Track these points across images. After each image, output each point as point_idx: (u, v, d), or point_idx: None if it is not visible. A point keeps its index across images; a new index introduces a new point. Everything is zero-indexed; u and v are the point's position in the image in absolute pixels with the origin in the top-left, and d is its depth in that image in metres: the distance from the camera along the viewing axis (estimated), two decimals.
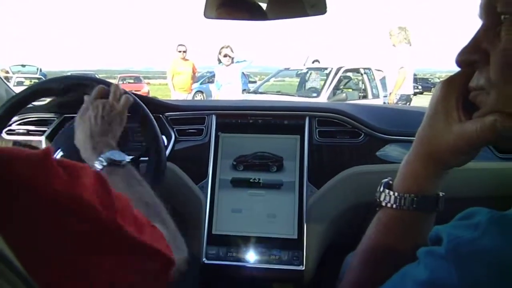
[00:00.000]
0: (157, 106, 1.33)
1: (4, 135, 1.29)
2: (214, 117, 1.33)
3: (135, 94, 1.05)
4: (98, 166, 0.80)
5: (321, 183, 1.25)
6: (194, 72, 7.03)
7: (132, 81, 19.89)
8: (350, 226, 1.37)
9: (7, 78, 15.06)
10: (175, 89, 6.74)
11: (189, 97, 7.48)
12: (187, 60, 6.83)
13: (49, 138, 1.28)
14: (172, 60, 6.78)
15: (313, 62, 7.70)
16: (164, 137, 1.25)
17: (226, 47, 5.84)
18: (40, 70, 18.19)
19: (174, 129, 1.33)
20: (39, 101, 1.28)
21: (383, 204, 0.61)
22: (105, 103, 0.92)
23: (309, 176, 1.25)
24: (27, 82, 14.83)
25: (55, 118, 1.32)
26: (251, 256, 1.19)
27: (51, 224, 0.40)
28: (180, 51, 6.71)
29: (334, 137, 1.31)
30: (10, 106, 1.02)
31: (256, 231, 1.22)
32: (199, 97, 13.62)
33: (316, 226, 1.21)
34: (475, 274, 0.41)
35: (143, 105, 1.04)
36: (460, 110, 0.53)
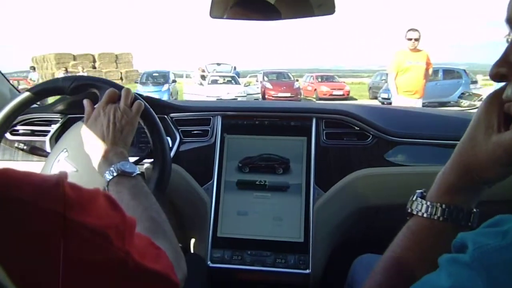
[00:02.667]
0: (162, 107, 1.31)
1: (8, 135, 1.28)
2: (219, 118, 1.32)
3: (139, 95, 1.04)
4: (108, 176, 0.80)
5: (328, 186, 1.23)
6: (428, 67, 5.04)
7: (329, 80, 20.09)
8: (357, 230, 1.35)
9: (203, 77, 15.93)
10: (399, 92, 4.98)
11: (419, 104, 5.06)
12: (419, 51, 4.94)
13: (53, 138, 1.28)
14: (396, 53, 5.04)
15: None
16: (169, 138, 1.24)
17: None
18: (235, 69, 19.05)
19: (179, 130, 1.31)
20: (43, 100, 1.28)
21: (414, 212, 0.60)
22: (117, 108, 0.90)
23: (316, 178, 1.23)
24: (221, 81, 16.00)
25: (59, 119, 1.32)
26: (257, 260, 1.17)
27: (59, 253, 0.39)
28: (410, 39, 4.84)
29: (342, 139, 1.29)
30: (19, 102, 1.01)
31: (261, 234, 1.20)
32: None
33: (323, 230, 1.19)
34: (502, 284, 0.40)
35: (149, 106, 1.02)
36: (500, 122, 0.54)
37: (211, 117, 1.33)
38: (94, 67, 30.39)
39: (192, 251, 1.25)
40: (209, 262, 1.18)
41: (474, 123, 0.58)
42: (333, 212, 1.22)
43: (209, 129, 1.32)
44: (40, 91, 1.04)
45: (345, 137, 1.29)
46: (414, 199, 0.62)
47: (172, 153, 1.25)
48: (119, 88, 0.98)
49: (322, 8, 1.06)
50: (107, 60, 31.73)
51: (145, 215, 0.69)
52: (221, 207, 1.23)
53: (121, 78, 29.41)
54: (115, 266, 0.44)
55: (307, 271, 1.15)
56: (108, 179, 0.79)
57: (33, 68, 16.40)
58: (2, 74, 1.43)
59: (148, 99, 1.09)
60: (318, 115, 1.30)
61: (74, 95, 1.05)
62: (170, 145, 1.26)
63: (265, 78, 18.09)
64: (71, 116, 1.30)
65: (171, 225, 0.76)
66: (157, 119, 1.03)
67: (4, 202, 0.37)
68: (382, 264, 0.62)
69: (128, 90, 0.95)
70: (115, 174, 0.79)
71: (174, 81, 16.77)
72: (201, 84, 15.73)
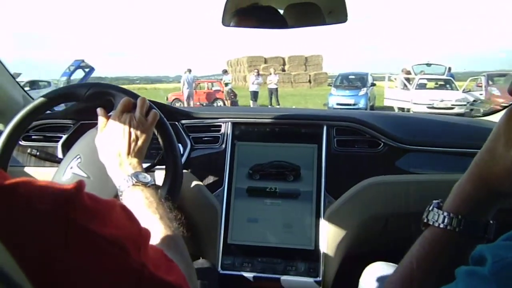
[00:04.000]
0: (173, 113, 1.32)
1: (20, 141, 1.30)
2: (230, 125, 1.32)
3: (150, 101, 1.05)
4: (123, 185, 0.80)
5: (339, 193, 1.23)
6: None
7: None
8: (369, 238, 1.34)
9: (408, 79, 13.51)
10: None
11: None
12: None
13: (65, 145, 1.28)
14: None
15: None
16: (180, 145, 1.25)
17: None
18: (449, 70, 15.16)
19: (190, 137, 1.32)
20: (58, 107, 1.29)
21: (430, 223, 0.60)
22: (132, 118, 0.90)
23: (326, 186, 1.22)
24: (431, 85, 13.54)
25: (72, 125, 1.33)
26: (267, 267, 1.17)
27: (77, 262, 0.39)
28: None
29: (353, 146, 1.29)
30: (33, 107, 1.02)
31: (272, 241, 1.20)
32: None
33: (333, 237, 1.19)
34: None
35: (160, 113, 1.03)
36: None
37: (222, 124, 1.34)
38: (283, 70, 29.93)
39: (203, 257, 1.26)
40: (219, 269, 1.18)
41: (494, 135, 0.57)
42: (344, 219, 1.21)
43: (220, 135, 1.32)
44: (55, 97, 1.05)
45: (356, 145, 1.29)
46: (430, 209, 0.62)
47: (183, 160, 1.25)
48: (135, 97, 0.98)
49: (333, 16, 1.06)
50: (297, 63, 31.21)
51: (158, 226, 0.70)
52: (231, 214, 1.23)
53: (309, 81, 29.49)
54: (131, 277, 0.44)
55: (318, 279, 1.15)
56: (123, 189, 0.80)
57: (225, 71, 16.45)
58: (16, 81, 1.45)
59: (159, 106, 1.10)
60: (329, 122, 1.30)
61: (89, 102, 1.06)
62: (181, 152, 1.27)
63: (490, 82, 12.92)
64: (84, 122, 1.31)
65: (182, 232, 0.76)
66: (170, 127, 1.03)
67: (26, 213, 0.37)
68: (398, 274, 0.62)
69: (143, 99, 0.95)
70: (130, 184, 0.79)
71: (373, 84, 14.64)
72: (405, 88, 13.19)
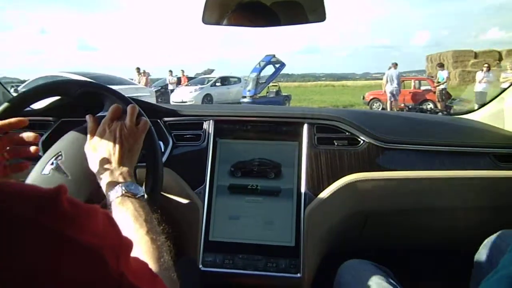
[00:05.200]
0: (155, 111, 1.32)
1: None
2: (212, 123, 1.32)
3: (132, 99, 1.04)
4: (112, 195, 0.79)
5: (319, 190, 1.24)
6: None
7: None
8: (348, 234, 1.37)
9: None
10: None
11: None
12: None
13: (46, 142, 1.26)
14: None
15: None
16: (161, 142, 1.24)
17: None
18: None
19: (172, 134, 1.32)
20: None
21: None
22: (123, 126, 0.88)
23: (307, 183, 1.24)
24: None
25: (52, 122, 1.31)
26: (248, 264, 1.18)
27: (55, 270, 0.38)
28: None
29: (333, 143, 1.30)
30: (21, 97, 0.98)
31: (253, 238, 1.21)
32: None
33: (314, 234, 1.20)
34: None
35: (142, 111, 1.02)
36: None
37: (204, 122, 1.34)
38: (499, 66, 21.56)
39: (184, 254, 1.26)
40: (201, 266, 1.19)
41: None
42: (324, 216, 1.23)
43: (202, 133, 1.32)
44: (46, 89, 1.01)
45: (336, 142, 1.31)
46: None
47: (164, 157, 1.25)
48: (126, 102, 0.96)
49: (314, 15, 1.07)
50: None
51: (145, 239, 0.69)
52: (213, 211, 1.24)
53: None
54: (109, 286, 0.43)
55: (298, 275, 1.16)
56: (112, 198, 0.78)
57: (441, 65, 13.40)
58: None
59: (140, 103, 1.09)
60: (310, 120, 1.31)
61: (79, 100, 1.03)
62: (163, 150, 1.26)
63: None
64: (64, 120, 1.29)
65: (163, 229, 0.76)
66: (146, 117, 1.02)
67: (4, 218, 0.37)
68: None
69: (134, 107, 0.93)
70: (119, 193, 0.78)
71: None
72: None
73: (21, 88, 8.55)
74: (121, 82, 9.90)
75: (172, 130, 1.33)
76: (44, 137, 1.28)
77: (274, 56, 15.21)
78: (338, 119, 1.31)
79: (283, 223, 1.21)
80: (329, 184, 1.25)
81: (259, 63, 15.08)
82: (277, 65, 15.19)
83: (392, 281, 0.96)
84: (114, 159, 0.84)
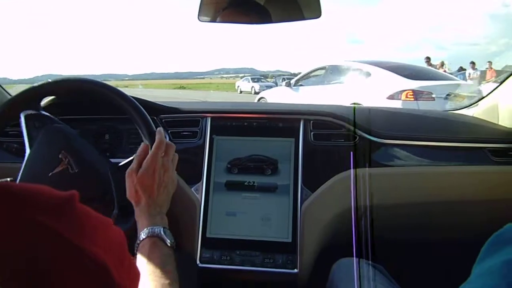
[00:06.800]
0: (152, 108, 1.32)
1: None
2: (208, 120, 1.33)
3: (135, 98, 1.05)
4: (147, 232, 0.80)
5: (316, 186, 1.25)
6: None
7: None
8: (345, 230, 1.37)
9: None
10: None
11: None
12: None
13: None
14: None
15: None
16: None
17: None
18: None
19: (169, 132, 1.32)
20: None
21: None
22: (166, 162, 0.90)
23: (303, 179, 1.24)
24: None
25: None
26: (245, 260, 1.19)
27: (58, 276, 0.37)
28: None
29: (329, 140, 1.31)
30: (19, 97, 1.00)
31: (250, 235, 1.21)
32: None
33: (310, 230, 1.21)
34: None
35: (141, 106, 1.03)
36: None
37: (200, 119, 1.34)
38: None
39: (181, 251, 1.26)
40: (198, 262, 1.19)
41: None
42: (320, 212, 1.23)
43: (198, 130, 1.32)
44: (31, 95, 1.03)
45: (333, 138, 1.31)
46: None
47: None
48: (141, 114, 1.00)
49: (310, 12, 1.08)
50: None
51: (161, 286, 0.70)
52: (210, 208, 1.24)
53: None
54: None
55: (295, 270, 1.17)
56: (145, 236, 0.79)
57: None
58: None
59: (138, 100, 1.09)
60: (306, 116, 1.32)
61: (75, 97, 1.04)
62: None
63: None
64: (62, 118, 1.29)
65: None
66: (145, 113, 1.03)
67: (13, 221, 0.36)
68: None
69: (172, 146, 0.96)
70: (155, 235, 0.79)
71: None
72: None
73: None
74: (443, 77, 6.76)
75: (169, 127, 1.33)
76: None
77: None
78: (334, 115, 1.32)
79: (280, 219, 1.22)
80: (325, 180, 1.25)
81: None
82: None
83: (385, 278, 0.97)
84: (159, 199, 0.86)
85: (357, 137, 1.31)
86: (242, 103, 1.81)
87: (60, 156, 0.99)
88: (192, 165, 1.28)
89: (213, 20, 1.07)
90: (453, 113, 1.66)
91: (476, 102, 1.61)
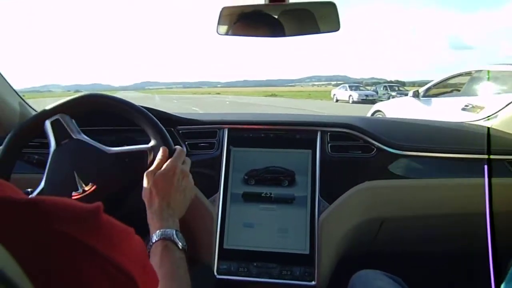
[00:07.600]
0: (169, 120, 1.34)
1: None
2: (226, 131, 1.34)
3: (144, 107, 1.05)
4: (160, 234, 0.80)
5: (333, 198, 1.24)
6: None
7: None
8: (363, 242, 1.36)
9: None
10: None
11: None
12: None
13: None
14: None
15: None
16: None
17: None
18: None
19: (186, 143, 1.34)
20: None
21: None
22: (185, 177, 0.92)
23: (321, 190, 1.24)
24: None
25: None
26: (263, 272, 1.18)
27: (84, 286, 0.37)
28: None
29: (346, 151, 1.31)
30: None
31: (267, 246, 1.21)
32: None
33: (328, 242, 1.20)
34: None
35: (155, 119, 1.04)
36: None
37: (217, 130, 1.35)
38: None
39: (199, 262, 1.27)
40: (216, 274, 1.19)
41: None
42: (338, 224, 1.23)
43: (215, 141, 1.34)
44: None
45: (350, 150, 1.31)
46: None
47: None
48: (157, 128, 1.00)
49: (326, 25, 1.08)
50: None
51: None
52: (227, 219, 1.25)
53: None
54: None
55: (313, 283, 1.16)
56: (158, 238, 0.80)
57: None
58: (12, 87, 1.45)
59: (155, 112, 1.11)
60: (323, 128, 1.32)
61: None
62: None
63: None
64: (83, 129, 1.31)
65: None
66: (161, 125, 1.04)
67: (42, 233, 0.36)
68: None
69: (182, 150, 0.97)
70: (168, 237, 0.80)
71: None
72: None
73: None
74: None
75: (186, 139, 1.35)
76: None
77: None
78: (351, 127, 1.32)
79: (297, 231, 1.22)
80: (342, 192, 1.25)
81: None
82: None
83: None
84: (175, 204, 0.87)
85: (375, 149, 1.30)
86: (259, 114, 1.82)
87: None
88: (209, 176, 1.29)
89: (231, 34, 1.09)
90: (470, 124, 1.64)
91: (495, 113, 1.59)
